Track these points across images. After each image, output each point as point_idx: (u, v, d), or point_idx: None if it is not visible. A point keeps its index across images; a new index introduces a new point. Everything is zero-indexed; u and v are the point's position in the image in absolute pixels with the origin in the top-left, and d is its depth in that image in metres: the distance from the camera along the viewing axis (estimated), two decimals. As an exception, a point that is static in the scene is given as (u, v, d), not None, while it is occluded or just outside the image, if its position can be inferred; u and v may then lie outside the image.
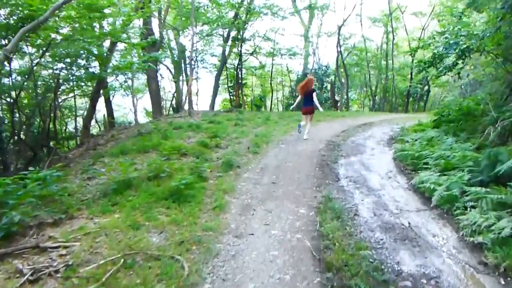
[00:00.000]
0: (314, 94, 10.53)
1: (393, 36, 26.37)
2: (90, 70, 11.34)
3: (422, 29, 26.87)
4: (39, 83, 11.36)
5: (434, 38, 12.24)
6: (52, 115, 11.23)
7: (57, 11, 6.97)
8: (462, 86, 36.93)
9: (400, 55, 30.14)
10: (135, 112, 15.93)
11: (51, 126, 13.02)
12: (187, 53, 24.83)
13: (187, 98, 17.16)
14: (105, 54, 10.20)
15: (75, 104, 18.50)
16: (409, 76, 27.65)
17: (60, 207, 4.70)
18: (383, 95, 29.31)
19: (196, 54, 23.57)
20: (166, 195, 5.17)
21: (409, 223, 4.73)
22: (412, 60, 26.88)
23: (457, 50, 10.46)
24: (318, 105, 10.63)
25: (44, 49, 8.57)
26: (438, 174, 6.25)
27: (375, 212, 5.14)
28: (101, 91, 13.82)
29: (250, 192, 5.78)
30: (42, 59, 9.34)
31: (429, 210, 5.23)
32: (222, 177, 6.47)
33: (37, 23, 6.37)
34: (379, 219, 4.91)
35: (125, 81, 19.56)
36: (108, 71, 11.14)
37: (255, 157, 8.15)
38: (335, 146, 9.98)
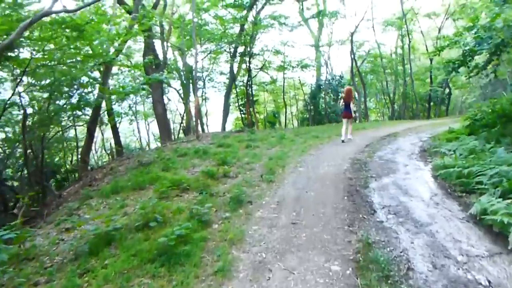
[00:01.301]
0: (352, 103, 12.75)
1: (409, 39, 24.95)
2: (86, 97, 10.38)
3: (439, 30, 25.47)
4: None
5: (462, 35, 10.90)
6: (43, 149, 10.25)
7: (28, 32, 5.99)
8: (482, 87, 35.34)
9: (418, 58, 28.73)
10: (140, 139, 14.91)
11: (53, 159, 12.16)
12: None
13: (195, 120, 16.09)
14: (91, 80, 9.23)
15: (76, 134, 17.59)
16: (429, 79, 26.12)
17: (9, 284, 3.51)
18: (402, 102, 27.75)
19: (202, 73, 22.69)
20: (153, 255, 3.94)
21: (488, 282, 3.39)
22: (431, 62, 25.49)
23: (491, 45, 9.14)
24: (353, 112, 12.90)
25: (19, 78, 7.61)
26: (502, 198, 4.90)
27: (434, 263, 3.80)
28: (100, 119, 12.90)
29: (264, 240, 4.49)
30: (18, 89, 8.34)
31: (507, 255, 3.88)
32: (229, 219, 5.21)
33: (2, 46, 5.38)
34: (442, 274, 3.58)
35: (130, 107, 18.68)
36: (101, 96, 10.13)
37: (269, 186, 6.89)
38: (362, 164, 8.65)
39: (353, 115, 12.82)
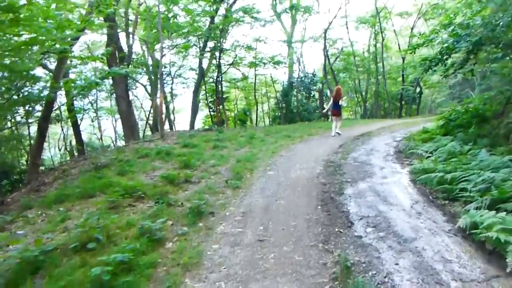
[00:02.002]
0: (341, 101, 13.69)
1: (382, 37, 24.74)
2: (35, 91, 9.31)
3: (411, 29, 25.42)
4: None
5: (438, 33, 10.54)
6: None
7: None
8: (450, 86, 35.89)
9: (390, 57, 28.69)
10: (101, 138, 13.88)
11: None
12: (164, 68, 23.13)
13: (159, 118, 15.16)
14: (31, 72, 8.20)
15: (29, 132, 16.16)
16: (401, 78, 26.07)
17: None
18: (375, 101, 27.61)
19: (170, 68, 21.68)
20: (85, 289, 3.16)
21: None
22: (403, 61, 25.44)
23: (469, 43, 8.77)
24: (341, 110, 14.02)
25: None
26: (490, 209, 4.40)
27: (424, 291, 3.22)
28: (59, 115, 11.80)
29: (225, 263, 3.78)
30: None
31: (505, 278, 3.35)
32: (186, 236, 4.46)
33: None
34: (435, 307, 3.00)
35: (91, 103, 17.50)
36: (53, 91, 9.09)
37: (235, 194, 6.18)
38: (336, 167, 8.09)
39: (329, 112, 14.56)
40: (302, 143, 11.74)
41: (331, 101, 13.75)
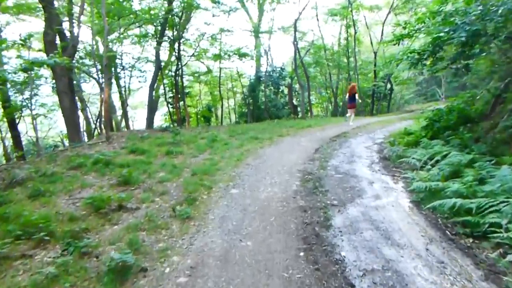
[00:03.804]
0: (356, 95, 15.67)
1: (355, 30, 23.44)
2: None
3: (383, 23, 24.34)
4: None
5: (424, 22, 9.18)
6: None
7: None
8: (417, 83, 35.46)
9: (362, 52, 27.54)
10: (37, 140, 11.74)
11: None
12: (122, 60, 20.76)
13: (104, 117, 13.11)
14: None
15: None
16: (372, 74, 24.97)
17: None
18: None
19: (121, 59, 19.42)
20: None
21: None
22: (375, 56, 24.33)
23: (468, 33, 7.44)
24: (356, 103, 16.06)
25: None
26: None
27: None
28: None
29: None
30: None
31: None
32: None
33: None
34: None
35: (29, 98, 15.12)
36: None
37: (184, 229, 4.44)
38: (315, 182, 6.55)
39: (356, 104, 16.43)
40: (272, 147, 10.13)
41: (347, 96, 16.06)
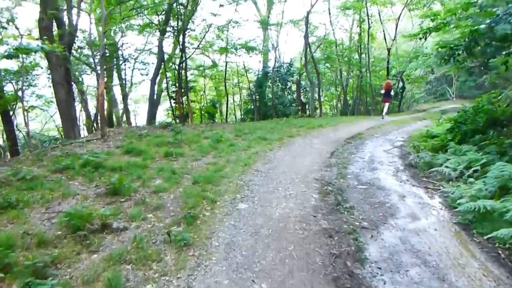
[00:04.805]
0: (392, 91, 18.17)
1: (369, 24, 22.26)
2: None
3: (398, 19, 23.21)
4: None
5: (455, 14, 8.17)
6: None
7: None
8: (427, 82, 34.25)
9: (374, 48, 26.36)
10: (27, 134, 10.85)
11: None
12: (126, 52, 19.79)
13: (99, 113, 12.19)
14: None
15: None
16: (385, 71, 23.83)
17: None
18: (358, 95, 25.27)
19: (123, 50, 18.45)
20: None
21: None
22: (389, 53, 23.22)
23: (510, 26, 6.45)
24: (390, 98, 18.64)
25: None
26: None
27: None
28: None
29: None
30: None
31: None
32: None
33: None
34: None
35: (21, 88, 14.22)
36: None
37: (180, 262, 3.49)
38: (336, 194, 5.63)
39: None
40: (283, 149, 9.18)
41: (383, 91, 17.70)
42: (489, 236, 3.87)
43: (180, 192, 5.46)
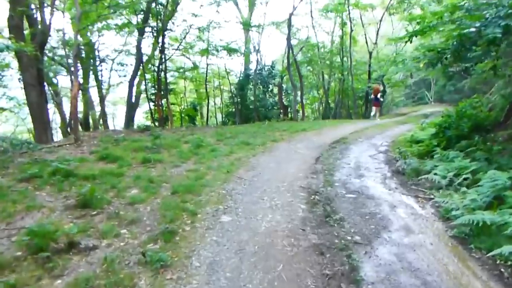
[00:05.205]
0: (379, 95, 19.29)
1: (351, 27, 22.18)
2: None
3: (379, 22, 23.28)
4: None
5: (442, 18, 8.01)
6: None
7: None
8: (406, 86, 34.63)
9: (356, 51, 26.33)
10: None
11: None
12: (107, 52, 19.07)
13: (72, 116, 11.62)
14: None
15: None
16: (366, 75, 23.86)
17: None
18: (339, 99, 25.16)
19: (98, 52, 17.80)
20: None
21: None
22: (370, 56, 23.25)
23: (502, 28, 6.33)
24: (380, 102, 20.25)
25: None
26: None
27: None
28: None
29: None
30: None
31: None
32: None
33: None
34: None
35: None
36: None
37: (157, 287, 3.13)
38: (325, 205, 5.33)
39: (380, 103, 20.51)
40: (266, 155, 8.86)
41: (372, 96, 18.90)
42: (492, 253, 3.61)
43: (158, 204, 5.05)
